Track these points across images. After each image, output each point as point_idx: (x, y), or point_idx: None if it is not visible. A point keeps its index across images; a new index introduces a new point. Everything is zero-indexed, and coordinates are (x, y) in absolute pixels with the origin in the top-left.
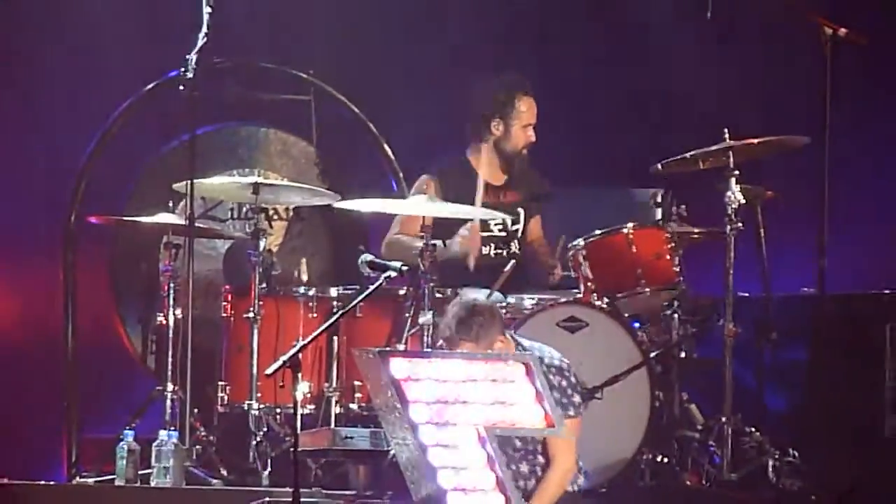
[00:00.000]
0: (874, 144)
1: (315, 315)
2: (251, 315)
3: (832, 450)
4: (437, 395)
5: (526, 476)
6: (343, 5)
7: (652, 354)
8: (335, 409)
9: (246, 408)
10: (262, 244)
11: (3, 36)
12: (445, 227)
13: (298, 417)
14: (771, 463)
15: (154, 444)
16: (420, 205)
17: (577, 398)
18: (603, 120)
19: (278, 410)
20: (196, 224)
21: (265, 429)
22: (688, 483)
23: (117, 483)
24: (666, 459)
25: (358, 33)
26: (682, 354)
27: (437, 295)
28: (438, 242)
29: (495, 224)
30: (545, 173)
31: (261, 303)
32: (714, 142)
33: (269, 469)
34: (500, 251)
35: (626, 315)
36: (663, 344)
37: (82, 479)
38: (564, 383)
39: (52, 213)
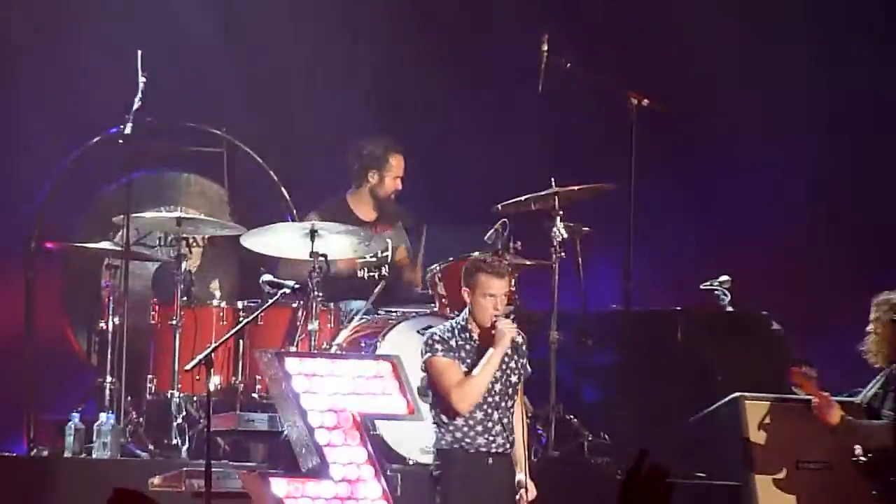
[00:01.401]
0: (671, 189)
1: (225, 322)
2: (174, 322)
3: (635, 433)
4: (321, 388)
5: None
6: (251, 77)
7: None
8: (240, 398)
9: (169, 396)
10: (183, 266)
11: None
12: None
13: (210, 404)
14: (586, 443)
15: (95, 424)
16: (300, 244)
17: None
18: (458, 169)
19: (195, 398)
20: (131, 249)
21: (184, 413)
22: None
23: (66, 455)
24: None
25: (264, 99)
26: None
27: (322, 308)
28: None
29: (374, 249)
30: (413, 209)
31: (182, 313)
32: (542, 188)
33: (187, 445)
34: (372, 273)
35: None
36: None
37: (38, 452)
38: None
39: (15, 240)
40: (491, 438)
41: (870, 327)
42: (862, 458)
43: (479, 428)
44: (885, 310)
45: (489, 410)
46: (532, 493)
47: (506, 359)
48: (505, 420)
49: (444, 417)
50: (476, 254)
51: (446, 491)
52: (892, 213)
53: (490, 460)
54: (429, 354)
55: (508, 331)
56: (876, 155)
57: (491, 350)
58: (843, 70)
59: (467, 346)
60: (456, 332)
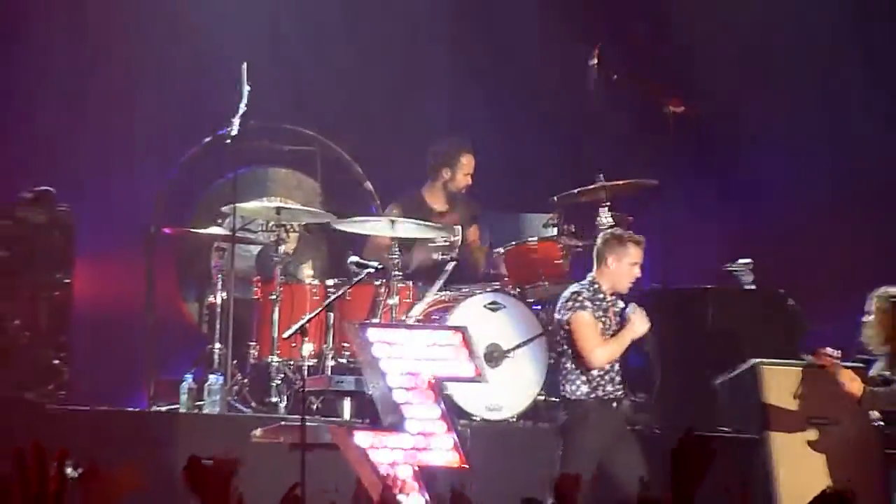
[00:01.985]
0: (698, 187)
1: (317, 297)
2: (273, 297)
3: (670, 393)
4: (400, 354)
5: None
6: (340, 83)
7: (549, 328)
8: (330, 363)
9: (269, 360)
10: (281, 249)
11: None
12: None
13: (305, 367)
14: (630, 401)
15: (206, 384)
16: (385, 225)
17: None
18: (516, 165)
19: (291, 363)
20: (237, 234)
21: (282, 375)
22: None
23: (181, 410)
24: (556, 400)
25: (351, 102)
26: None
27: (400, 285)
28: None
29: (441, 237)
30: (478, 199)
31: (280, 289)
32: (592, 182)
33: (284, 403)
34: (445, 256)
35: (531, 300)
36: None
37: (157, 408)
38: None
39: (138, 226)
40: (618, 386)
41: (867, 318)
42: (881, 423)
43: (608, 377)
44: (884, 300)
45: (616, 364)
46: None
47: (617, 319)
48: (621, 370)
49: (580, 369)
50: (535, 238)
51: (580, 435)
52: None
53: (615, 405)
54: (577, 310)
55: (643, 321)
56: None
57: (630, 328)
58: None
59: (603, 307)
60: (595, 291)
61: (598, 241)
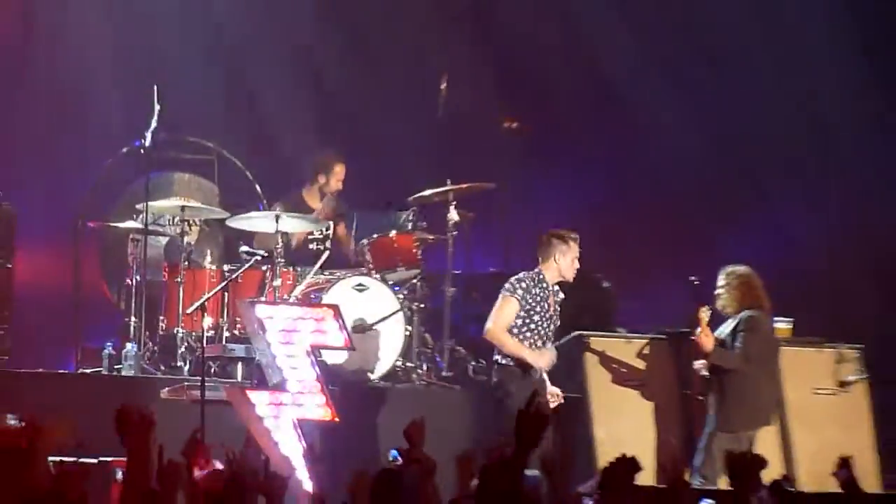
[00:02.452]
0: (528, 187)
1: (214, 280)
2: (179, 280)
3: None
4: (282, 327)
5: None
6: (232, 98)
7: (405, 307)
8: (226, 334)
9: (175, 332)
10: (185, 239)
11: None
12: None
13: (204, 338)
14: (470, 366)
15: (123, 351)
16: (270, 221)
17: None
18: (379, 169)
19: (193, 334)
20: (148, 228)
21: (186, 344)
22: (418, 372)
23: (103, 373)
24: (411, 365)
25: (241, 118)
26: (422, 305)
27: (283, 270)
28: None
29: (321, 230)
30: (347, 200)
31: (184, 273)
32: (442, 185)
33: (187, 367)
34: (318, 247)
35: (391, 283)
36: (412, 300)
37: (83, 371)
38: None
39: (67, 221)
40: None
41: (720, 290)
42: (704, 372)
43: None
44: (733, 276)
45: (546, 343)
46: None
47: (556, 306)
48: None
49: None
50: (394, 232)
51: (515, 395)
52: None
53: (538, 374)
54: (511, 293)
55: (546, 362)
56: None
57: (533, 356)
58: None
59: (542, 294)
60: (535, 281)
61: (545, 239)
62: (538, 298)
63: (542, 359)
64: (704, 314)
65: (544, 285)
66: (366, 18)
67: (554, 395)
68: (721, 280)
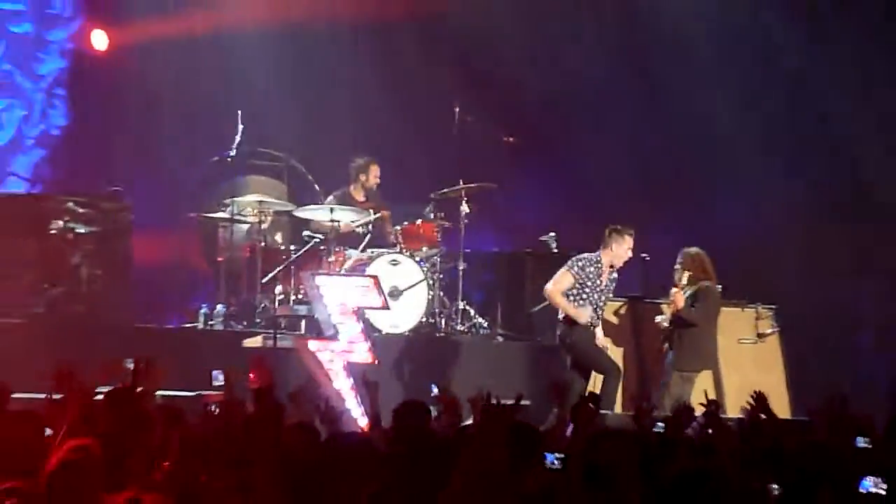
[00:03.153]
0: (522, 186)
1: (284, 257)
2: (257, 257)
3: (504, 316)
4: (335, 292)
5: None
6: (297, 120)
7: (428, 277)
8: (292, 298)
9: (255, 297)
10: (262, 226)
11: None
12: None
13: (276, 301)
14: (476, 321)
15: (215, 311)
16: (326, 212)
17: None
18: (409, 172)
19: (268, 299)
20: (234, 217)
21: (263, 305)
22: (444, 332)
23: (199, 328)
24: (433, 321)
25: (304, 132)
26: (441, 276)
27: (335, 249)
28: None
29: (364, 219)
30: (385, 195)
31: (260, 252)
32: (456, 185)
33: (264, 324)
34: (363, 229)
35: (417, 259)
36: (433, 272)
37: (184, 325)
38: None
39: (173, 212)
40: (597, 321)
41: (678, 266)
42: (664, 324)
43: (592, 320)
44: (688, 256)
45: (597, 309)
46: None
47: (609, 283)
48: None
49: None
50: (419, 220)
51: (577, 340)
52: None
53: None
54: (570, 267)
55: (585, 319)
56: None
57: (576, 311)
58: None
59: (596, 271)
60: (592, 262)
61: (607, 231)
62: (591, 275)
63: (582, 314)
64: (679, 286)
65: (599, 266)
66: (398, 58)
67: (602, 344)
68: (680, 258)
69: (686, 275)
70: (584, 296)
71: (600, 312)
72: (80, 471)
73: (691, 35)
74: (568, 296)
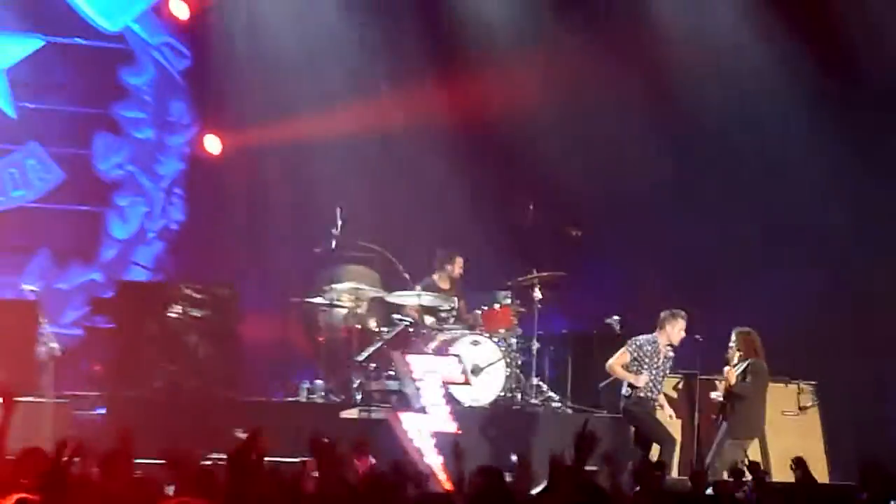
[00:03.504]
0: (586, 273)
1: (378, 338)
2: (355, 339)
3: (574, 392)
4: (423, 369)
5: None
6: (390, 211)
7: (505, 356)
8: (384, 374)
9: (350, 374)
10: (357, 310)
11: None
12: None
13: (370, 376)
14: (552, 397)
15: (314, 385)
16: (415, 298)
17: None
18: (484, 263)
19: (362, 377)
20: (333, 302)
21: (359, 381)
22: (520, 405)
23: (302, 401)
24: (510, 395)
25: (395, 228)
26: (517, 355)
27: (423, 331)
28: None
29: (448, 304)
30: (467, 283)
31: (356, 333)
32: (529, 273)
33: (360, 397)
34: (447, 314)
35: (495, 340)
36: (510, 351)
37: (288, 399)
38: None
39: (278, 297)
40: (657, 395)
41: (732, 344)
42: (719, 398)
43: (652, 394)
44: (741, 335)
45: (655, 385)
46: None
47: (665, 361)
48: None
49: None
50: (497, 304)
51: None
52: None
53: (655, 405)
54: (627, 346)
55: (642, 384)
56: None
57: (634, 376)
58: None
59: (654, 350)
60: (649, 342)
61: (662, 314)
62: (648, 353)
63: (640, 379)
64: (732, 363)
65: (656, 345)
66: (479, 161)
67: (670, 415)
68: (733, 337)
69: (738, 354)
70: (642, 372)
71: (660, 387)
72: None
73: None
74: (629, 372)
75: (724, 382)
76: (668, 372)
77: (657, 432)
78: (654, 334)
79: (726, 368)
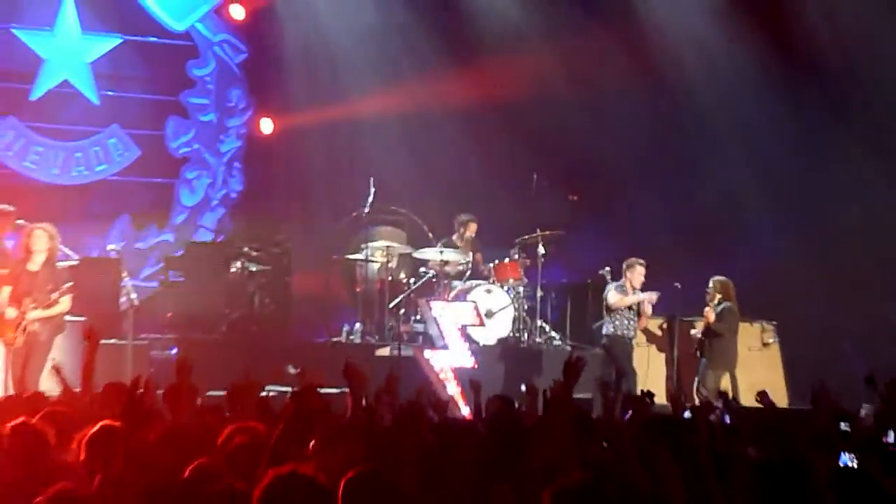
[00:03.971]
0: (583, 230)
1: (405, 288)
2: (385, 288)
3: (572, 331)
4: (444, 314)
5: None
6: (415, 179)
7: (514, 302)
8: (412, 317)
9: (385, 318)
10: (388, 264)
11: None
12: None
13: (399, 318)
14: (553, 336)
15: (353, 328)
16: (437, 253)
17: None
18: (497, 223)
19: (394, 319)
20: (368, 258)
21: (390, 324)
22: (526, 344)
23: (342, 341)
24: (517, 335)
25: (418, 193)
26: (524, 301)
27: (444, 282)
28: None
29: (465, 259)
30: (480, 241)
31: (388, 284)
32: (533, 232)
33: (391, 337)
34: (464, 267)
35: (505, 289)
36: (518, 298)
37: (331, 339)
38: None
39: (319, 254)
40: (632, 335)
41: (710, 289)
42: (698, 335)
43: (627, 332)
44: (718, 283)
45: (633, 324)
46: None
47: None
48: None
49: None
50: (507, 259)
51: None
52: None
53: (630, 341)
54: (611, 289)
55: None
56: None
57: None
58: None
59: (623, 292)
60: (618, 287)
61: (624, 265)
62: (621, 292)
63: (638, 297)
64: (710, 305)
65: (624, 289)
66: (489, 136)
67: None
68: (711, 284)
69: (717, 297)
70: (619, 312)
71: (633, 324)
72: (250, 448)
73: (717, 118)
74: (610, 314)
75: (702, 321)
76: (637, 312)
77: (621, 366)
78: (621, 280)
79: (706, 309)
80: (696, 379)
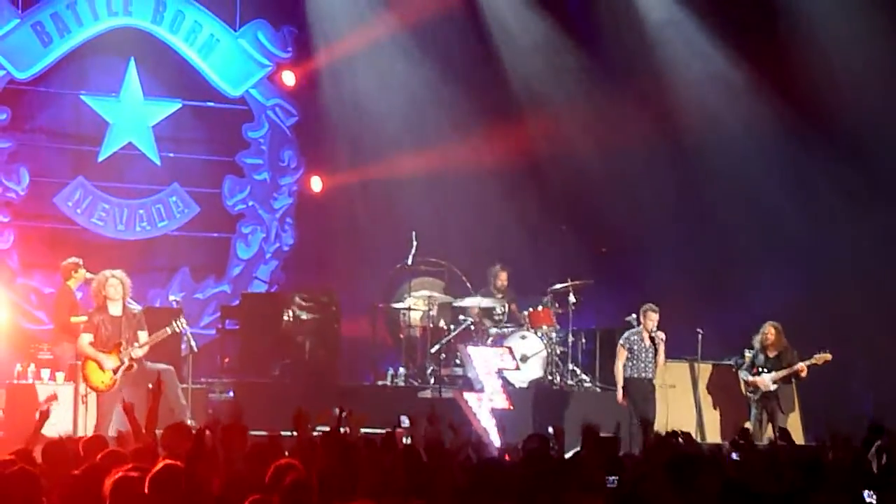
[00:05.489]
0: (609, 282)
1: (446, 334)
2: (426, 335)
3: (601, 375)
4: (481, 358)
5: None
6: (455, 234)
7: (547, 347)
8: (453, 361)
9: (425, 362)
10: (430, 313)
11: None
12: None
13: (440, 363)
14: (583, 379)
15: (397, 371)
16: (475, 302)
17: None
18: (527, 273)
19: (434, 363)
20: (410, 307)
21: (431, 367)
22: (559, 386)
23: (387, 384)
24: (550, 378)
25: (456, 249)
26: (557, 346)
27: (481, 328)
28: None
29: (501, 307)
30: (515, 290)
31: (429, 330)
32: (565, 281)
33: (432, 381)
34: (500, 316)
35: (539, 335)
36: (550, 344)
37: (375, 382)
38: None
39: (367, 303)
40: (651, 377)
41: (763, 335)
42: (771, 387)
43: (645, 374)
44: (772, 326)
45: (647, 366)
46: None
47: (651, 346)
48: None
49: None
50: (540, 307)
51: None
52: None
53: (649, 383)
54: (619, 344)
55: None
56: None
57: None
58: None
59: (639, 339)
60: (635, 334)
61: (640, 311)
62: (636, 342)
63: (620, 378)
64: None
65: (640, 334)
66: (524, 196)
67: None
68: (772, 329)
69: (784, 341)
70: (635, 356)
71: (651, 367)
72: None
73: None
74: (627, 359)
75: (785, 371)
76: (654, 353)
77: (637, 408)
78: (638, 327)
79: (800, 364)
80: (763, 421)
